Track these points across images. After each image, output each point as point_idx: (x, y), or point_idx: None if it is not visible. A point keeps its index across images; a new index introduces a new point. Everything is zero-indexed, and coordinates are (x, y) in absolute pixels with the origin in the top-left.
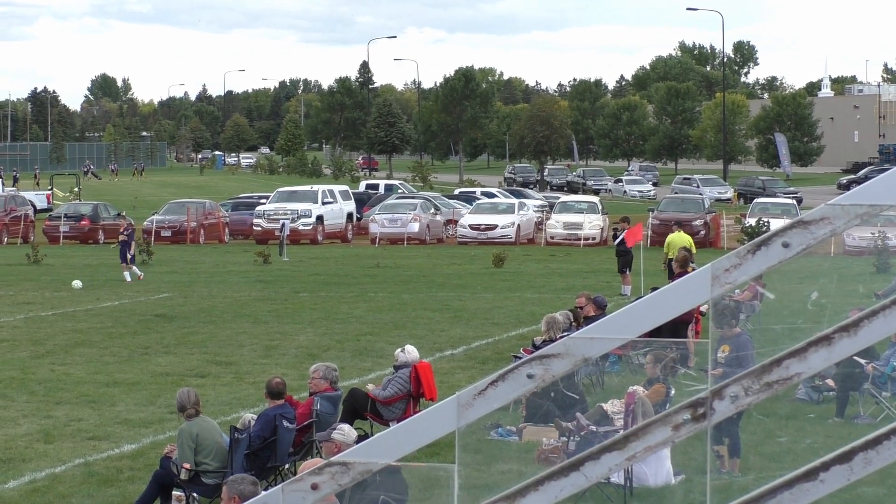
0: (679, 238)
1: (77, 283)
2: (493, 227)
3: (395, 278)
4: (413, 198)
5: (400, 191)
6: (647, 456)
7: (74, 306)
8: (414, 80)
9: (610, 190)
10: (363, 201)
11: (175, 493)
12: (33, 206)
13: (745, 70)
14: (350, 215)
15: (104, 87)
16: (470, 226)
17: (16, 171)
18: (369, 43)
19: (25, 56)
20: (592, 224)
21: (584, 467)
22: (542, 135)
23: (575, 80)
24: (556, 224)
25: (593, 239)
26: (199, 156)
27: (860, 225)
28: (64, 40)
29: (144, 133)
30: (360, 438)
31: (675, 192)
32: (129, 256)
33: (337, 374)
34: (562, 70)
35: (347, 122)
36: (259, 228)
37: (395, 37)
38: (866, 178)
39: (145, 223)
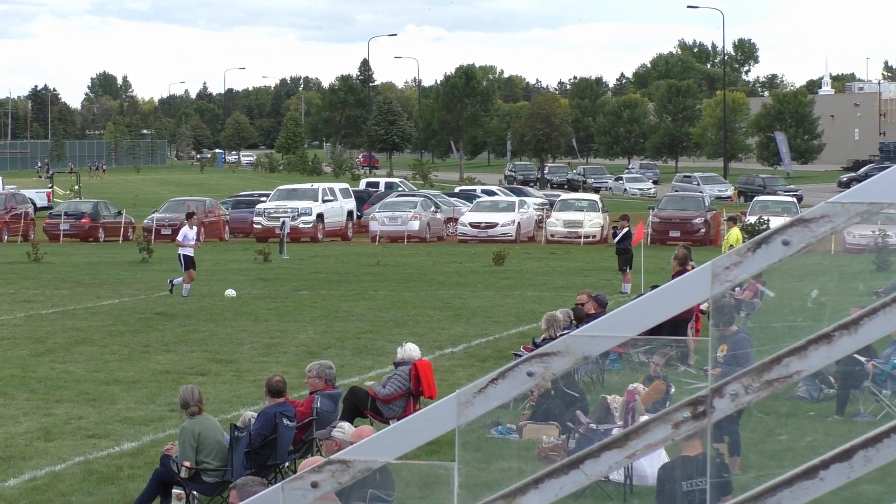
0: (736, 233)
1: (230, 292)
2: (493, 225)
3: (396, 276)
4: (413, 196)
5: (400, 189)
6: (647, 454)
7: (75, 304)
8: (414, 78)
9: (610, 188)
10: (363, 199)
11: (175, 491)
12: (34, 203)
13: (746, 68)
14: (350, 213)
15: (105, 85)
16: (470, 224)
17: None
18: (370, 41)
19: (26, 54)
20: (593, 222)
21: (584, 465)
22: (542, 132)
23: (575, 77)
24: (557, 222)
25: (593, 237)
26: (199, 154)
27: (860, 223)
28: (64, 38)
29: (145, 131)
30: None
31: (676, 190)
32: None
33: (332, 372)
34: (562, 68)
35: (348, 120)
36: (259, 226)
37: (395, 35)
38: (867, 175)
39: (145, 221)
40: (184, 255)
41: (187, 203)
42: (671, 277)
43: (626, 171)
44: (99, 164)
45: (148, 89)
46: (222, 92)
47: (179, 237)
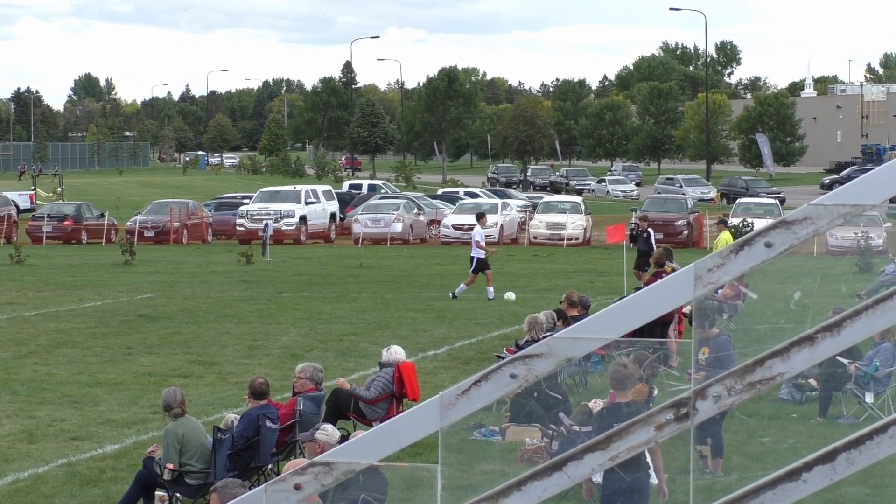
0: (726, 236)
1: (510, 295)
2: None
3: (378, 278)
4: (396, 198)
5: (383, 191)
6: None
7: (57, 306)
8: (397, 80)
9: (593, 190)
10: (346, 201)
11: (158, 493)
12: (16, 206)
13: (729, 70)
14: (333, 215)
15: (87, 87)
16: (453, 226)
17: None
18: (352, 43)
19: (8, 56)
20: (575, 224)
21: (566, 467)
22: (525, 135)
23: (558, 80)
24: (539, 224)
25: (576, 239)
26: (182, 156)
27: (843, 225)
28: (46, 40)
29: (127, 133)
30: (343, 438)
31: (658, 192)
32: None
33: (322, 376)
34: (545, 70)
35: (331, 122)
36: (242, 228)
37: (377, 37)
38: (849, 178)
39: (128, 223)
40: (477, 259)
41: (478, 204)
42: (649, 279)
43: (609, 173)
44: (35, 168)
45: (131, 91)
46: (205, 94)
47: (476, 237)
